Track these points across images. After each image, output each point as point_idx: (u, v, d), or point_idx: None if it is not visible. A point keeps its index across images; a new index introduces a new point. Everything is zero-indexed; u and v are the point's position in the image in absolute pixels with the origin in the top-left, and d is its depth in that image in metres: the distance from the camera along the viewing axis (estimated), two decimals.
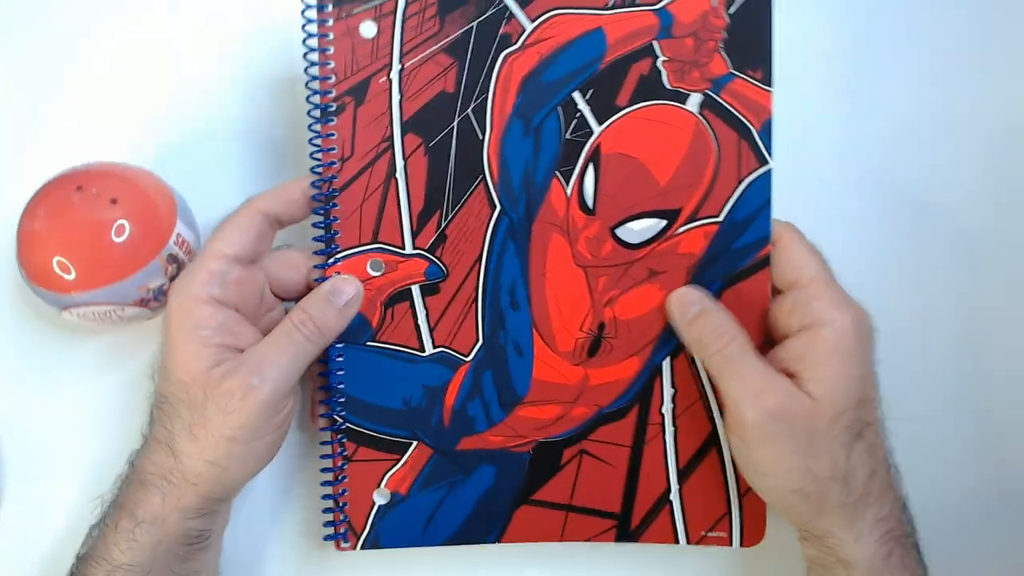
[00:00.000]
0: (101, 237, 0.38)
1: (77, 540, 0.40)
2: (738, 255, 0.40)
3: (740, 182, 0.40)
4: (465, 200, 0.41)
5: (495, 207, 0.41)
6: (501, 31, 0.40)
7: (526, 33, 0.40)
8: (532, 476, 0.41)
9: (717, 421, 0.41)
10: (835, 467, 0.36)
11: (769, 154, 0.40)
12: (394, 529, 0.42)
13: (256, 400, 0.36)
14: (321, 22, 0.40)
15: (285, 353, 0.37)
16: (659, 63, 0.40)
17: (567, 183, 0.40)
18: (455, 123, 0.40)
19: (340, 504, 0.42)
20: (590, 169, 0.40)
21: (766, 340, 0.40)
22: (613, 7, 0.39)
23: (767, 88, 0.39)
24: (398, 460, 0.42)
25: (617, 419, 0.41)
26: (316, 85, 0.40)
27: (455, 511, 0.42)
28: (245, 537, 0.44)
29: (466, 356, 0.41)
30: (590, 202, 0.40)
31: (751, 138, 0.40)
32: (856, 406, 0.36)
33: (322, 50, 0.40)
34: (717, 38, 0.39)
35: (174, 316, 0.37)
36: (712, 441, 0.41)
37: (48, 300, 0.39)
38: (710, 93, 0.39)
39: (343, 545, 0.42)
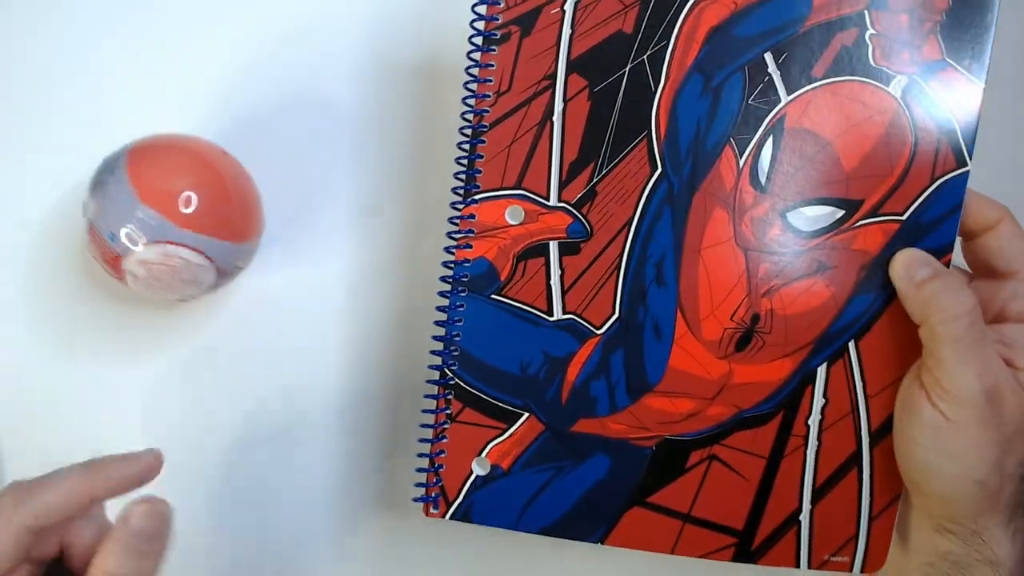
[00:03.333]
0: (238, 196, 0.39)
1: None
2: None
3: (933, 181, 0.36)
4: (625, 156, 0.36)
5: (656, 168, 0.36)
6: None
7: None
8: (651, 475, 0.37)
9: (864, 440, 0.36)
10: (1020, 465, 0.34)
11: (969, 156, 0.36)
12: (489, 505, 0.37)
13: None
14: None
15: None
16: (867, 36, 0.35)
17: (741, 154, 0.36)
18: (627, 69, 0.36)
19: (436, 465, 0.37)
20: (769, 141, 0.36)
21: None
22: None
23: (979, 83, 0.35)
24: (505, 430, 0.37)
25: (757, 425, 0.37)
26: (482, 9, 0.36)
27: (559, 499, 0.37)
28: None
29: (597, 329, 0.36)
30: (763, 178, 0.36)
31: (953, 136, 0.36)
32: None
33: None
34: (936, 19, 0.35)
35: None
36: (854, 460, 0.37)
37: (147, 226, 0.36)
38: (917, 78, 0.35)
39: (432, 511, 0.37)
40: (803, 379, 0.36)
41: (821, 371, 0.36)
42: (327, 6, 0.44)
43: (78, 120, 0.43)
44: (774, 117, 0.36)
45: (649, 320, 0.36)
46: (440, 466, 0.37)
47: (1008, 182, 0.38)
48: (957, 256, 0.37)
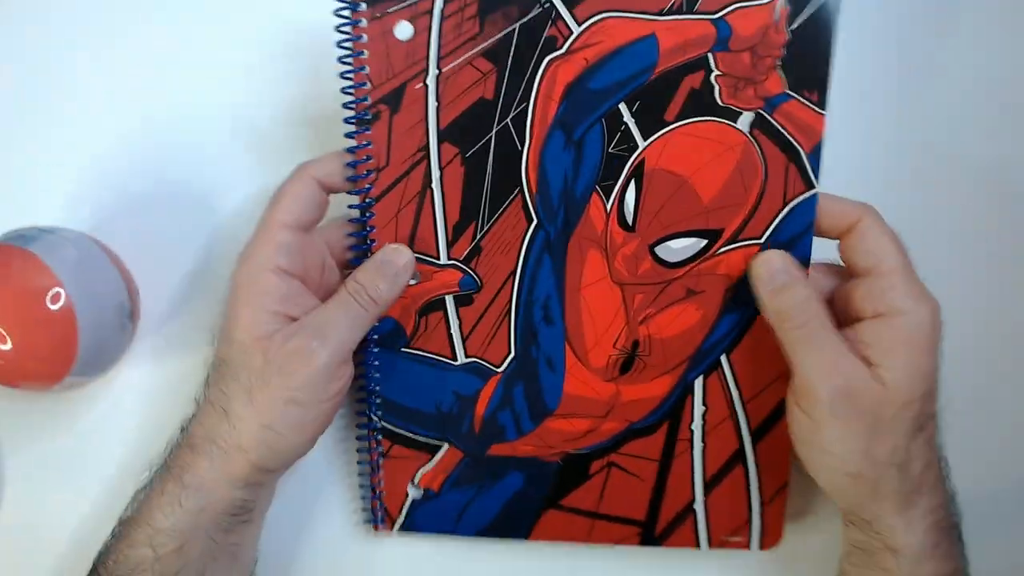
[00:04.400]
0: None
1: (78, 540, 0.41)
2: None
3: (785, 205, 0.38)
4: (502, 212, 0.39)
5: (532, 220, 0.39)
6: (546, 34, 0.37)
7: (573, 37, 0.37)
8: (560, 483, 0.42)
9: (745, 438, 0.41)
10: (895, 454, 0.36)
11: (816, 178, 0.38)
12: (428, 518, 0.43)
13: (317, 362, 0.36)
14: (354, 23, 0.37)
15: (342, 320, 0.37)
16: (713, 77, 0.37)
17: (607, 198, 0.39)
18: (493, 132, 0.38)
19: (377, 493, 0.43)
20: (632, 185, 0.39)
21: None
22: (668, 13, 0.37)
23: (821, 111, 0.37)
24: (430, 459, 0.42)
25: (647, 434, 0.41)
26: (352, 92, 0.38)
27: (485, 509, 0.43)
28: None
29: (497, 367, 0.41)
30: (630, 218, 0.39)
31: (800, 161, 0.38)
32: (922, 398, 0.36)
33: (356, 54, 0.37)
34: (776, 55, 0.37)
35: (240, 283, 0.37)
36: (738, 457, 0.41)
37: None
38: (762, 112, 0.37)
39: (380, 528, 0.44)
40: (683, 392, 0.41)
41: (698, 383, 0.41)
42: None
43: None
44: (634, 162, 0.38)
45: (542, 355, 0.41)
46: (381, 493, 0.43)
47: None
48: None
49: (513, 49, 0.38)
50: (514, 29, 0.37)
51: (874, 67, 0.44)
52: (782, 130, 0.38)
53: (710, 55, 0.37)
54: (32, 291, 0.38)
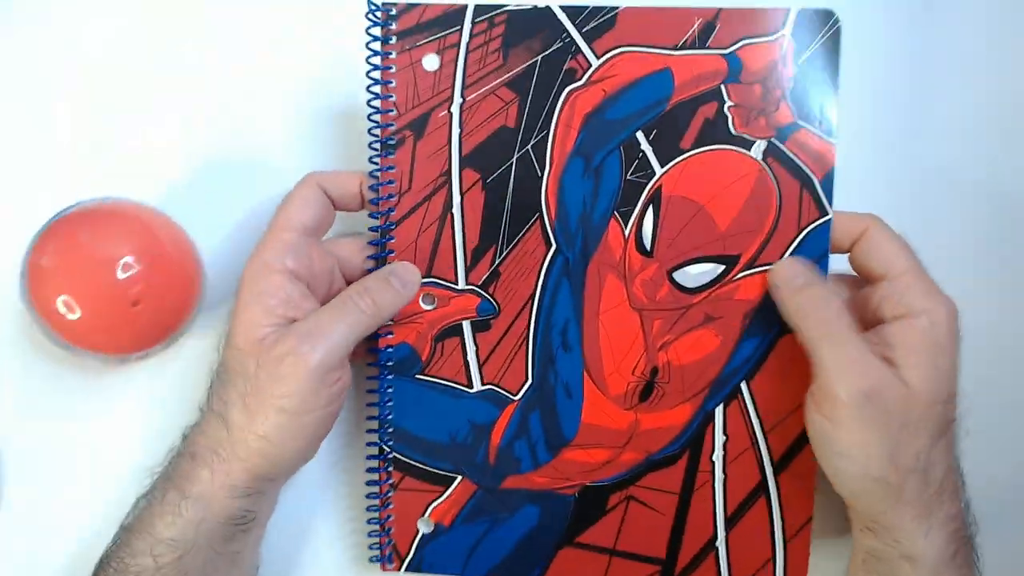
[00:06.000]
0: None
1: (79, 539, 0.40)
2: None
3: (800, 231, 0.39)
4: (521, 238, 0.40)
5: (551, 245, 0.40)
6: (566, 66, 0.39)
7: (592, 69, 0.39)
8: (577, 519, 0.41)
9: (767, 469, 0.40)
10: (918, 459, 0.35)
11: (830, 205, 0.39)
12: (437, 556, 0.42)
13: (305, 366, 0.35)
14: (385, 55, 0.39)
15: (338, 323, 0.37)
16: (726, 108, 0.39)
17: (625, 224, 0.40)
18: (514, 159, 0.40)
19: (386, 528, 0.42)
20: (649, 211, 0.40)
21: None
22: (682, 48, 0.39)
23: (830, 140, 0.39)
24: (443, 493, 0.41)
25: (666, 466, 0.40)
26: (378, 118, 0.40)
27: (497, 547, 0.41)
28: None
29: (514, 395, 0.41)
30: (648, 244, 0.40)
31: (813, 188, 0.39)
32: (945, 401, 0.36)
33: (384, 83, 0.39)
34: (785, 87, 0.39)
35: (244, 283, 0.37)
36: (760, 489, 0.40)
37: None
38: (775, 141, 0.39)
39: (388, 567, 0.42)
40: (703, 420, 0.40)
41: (718, 412, 0.40)
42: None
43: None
44: (652, 188, 0.40)
45: (560, 383, 0.40)
46: (390, 528, 0.42)
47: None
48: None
49: (535, 80, 0.39)
50: (536, 61, 0.39)
51: (876, 92, 0.45)
52: (794, 158, 0.39)
53: (723, 87, 0.39)
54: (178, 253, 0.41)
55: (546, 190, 0.40)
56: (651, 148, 0.39)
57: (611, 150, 0.40)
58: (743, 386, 0.40)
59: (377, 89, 0.39)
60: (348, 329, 0.37)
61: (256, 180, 0.44)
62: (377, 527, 0.42)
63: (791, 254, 0.39)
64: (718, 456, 0.40)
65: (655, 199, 0.40)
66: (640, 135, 0.39)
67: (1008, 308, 0.45)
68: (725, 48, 0.39)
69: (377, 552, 0.42)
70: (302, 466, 0.38)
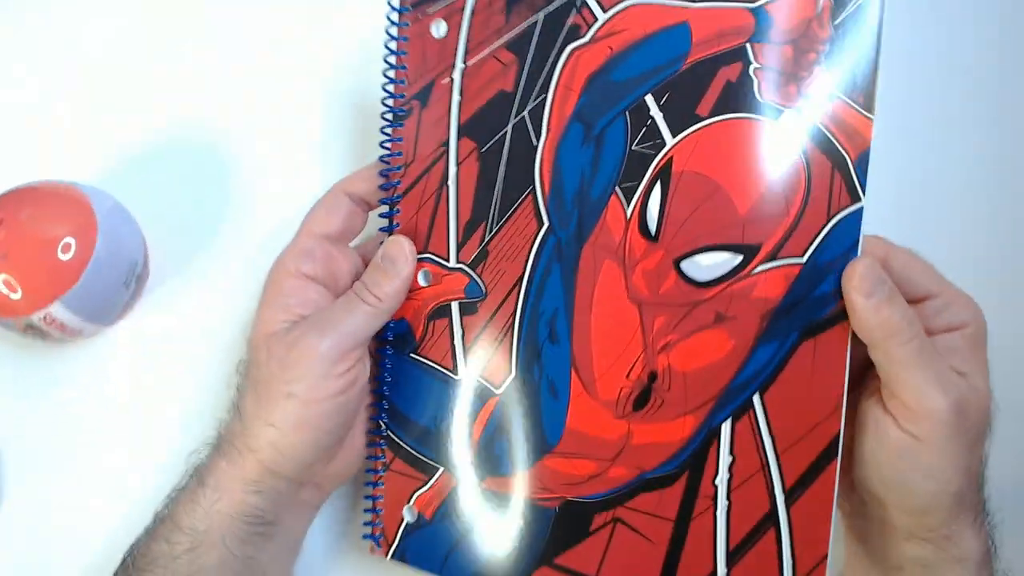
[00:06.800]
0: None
1: (79, 540, 0.41)
2: (818, 304, 0.33)
3: (829, 219, 0.33)
4: (511, 214, 0.35)
5: (543, 223, 0.35)
6: (569, 22, 0.34)
7: (597, 24, 0.34)
8: (556, 537, 0.36)
9: (778, 497, 0.34)
10: (982, 464, 0.35)
11: (863, 190, 0.33)
12: (418, 550, 0.38)
13: (313, 353, 0.35)
14: (401, 25, 0.36)
15: (344, 316, 0.37)
16: (751, 70, 0.33)
17: (628, 202, 0.34)
18: (510, 126, 0.35)
19: (376, 508, 0.39)
20: (656, 187, 0.34)
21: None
22: None
23: (869, 116, 0.33)
24: (426, 481, 0.38)
25: (661, 487, 0.35)
26: (392, 88, 0.37)
27: (471, 556, 0.37)
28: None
29: (497, 389, 0.36)
30: (653, 227, 0.34)
31: (846, 170, 0.33)
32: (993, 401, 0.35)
33: (398, 53, 0.36)
34: (819, 50, 0.33)
35: (266, 284, 0.38)
36: (769, 520, 0.34)
37: None
38: (807, 112, 0.33)
39: (376, 549, 0.39)
40: (707, 437, 0.34)
41: (725, 428, 0.34)
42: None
43: None
44: (660, 161, 0.34)
45: (544, 380, 0.35)
46: (380, 510, 0.38)
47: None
48: None
49: (536, 39, 0.35)
50: (538, 18, 0.35)
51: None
52: (828, 134, 0.33)
53: (748, 46, 0.33)
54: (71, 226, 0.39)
55: (541, 160, 0.35)
56: (662, 114, 0.34)
57: (615, 116, 0.34)
58: (755, 399, 0.34)
59: (392, 61, 0.36)
60: (356, 321, 0.37)
61: (256, 180, 0.45)
62: (370, 503, 0.39)
63: (819, 245, 0.33)
64: (722, 479, 0.34)
65: (664, 174, 0.34)
66: (650, 99, 0.34)
67: (1008, 308, 0.41)
68: (753, 1, 0.33)
69: (369, 530, 0.39)
70: (317, 467, 0.37)
